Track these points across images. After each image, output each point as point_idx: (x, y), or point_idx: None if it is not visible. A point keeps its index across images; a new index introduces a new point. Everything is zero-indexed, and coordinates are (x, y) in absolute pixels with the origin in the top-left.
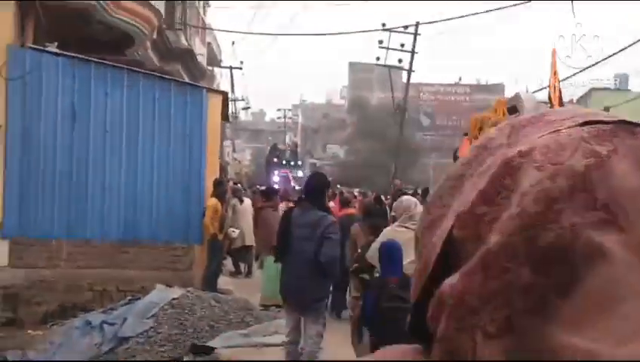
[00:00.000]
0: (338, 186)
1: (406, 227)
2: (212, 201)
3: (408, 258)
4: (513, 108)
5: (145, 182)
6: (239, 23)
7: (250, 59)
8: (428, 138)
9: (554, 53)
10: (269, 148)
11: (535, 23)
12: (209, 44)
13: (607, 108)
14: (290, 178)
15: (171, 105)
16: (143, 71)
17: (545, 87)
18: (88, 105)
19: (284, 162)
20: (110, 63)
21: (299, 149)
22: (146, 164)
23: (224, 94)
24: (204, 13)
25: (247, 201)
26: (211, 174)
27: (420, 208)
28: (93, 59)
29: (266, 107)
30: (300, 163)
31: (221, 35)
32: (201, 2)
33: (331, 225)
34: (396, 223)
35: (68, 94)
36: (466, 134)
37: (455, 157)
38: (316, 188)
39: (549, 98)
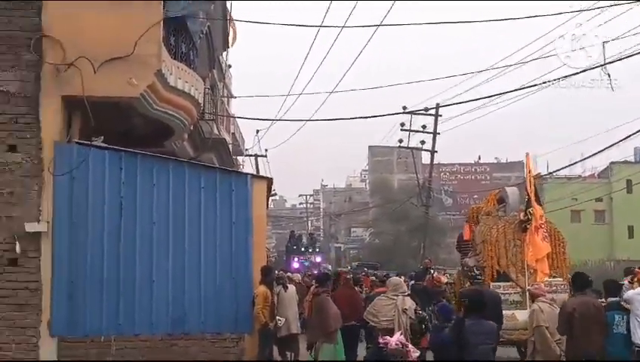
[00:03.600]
0: (365, 269)
1: (388, 297)
2: (261, 289)
3: (384, 317)
4: (501, 200)
5: (192, 273)
6: (263, 111)
7: (272, 146)
8: (451, 218)
9: (527, 156)
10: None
11: (547, 98)
12: (233, 133)
13: (628, 181)
14: (315, 262)
15: (217, 193)
16: (187, 160)
17: (561, 168)
18: (135, 198)
19: (302, 249)
20: (156, 155)
21: (321, 234)
22: (193, 253)
23: (269, 180)
24: (228, 104)
25: (292, 288)
26: (259, 261)
27: (403, 286)
28: (138, 151)
29: (286, 194)
30: (317, 249)
31: (244, 124)
32: (225, 92)
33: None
34: (384, 294)
35: (115, 187)
36: (466, 221)
37: (459, 239)
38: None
39: (526, 190)
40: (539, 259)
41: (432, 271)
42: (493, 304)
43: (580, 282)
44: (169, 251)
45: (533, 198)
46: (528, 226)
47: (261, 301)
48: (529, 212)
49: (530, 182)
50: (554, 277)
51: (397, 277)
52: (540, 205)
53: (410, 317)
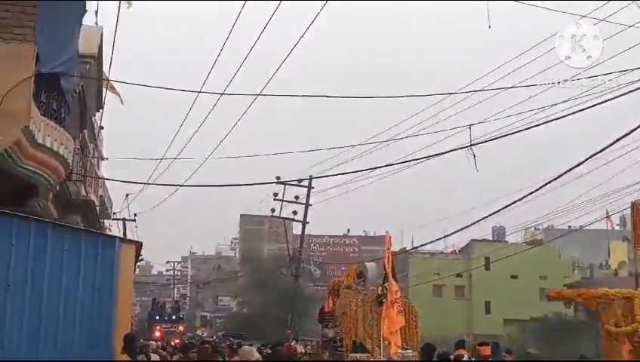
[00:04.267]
0: (231, 339)
1: None
2: (123, 358)
3: None
4: (360, 274)
5: (48, 340)
6: (134, 175)
7: (142, 211)
8: (319, 288)
9: (388, 235)
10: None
11: (415, 181)
12: (101, 196)
13: (487, 259)
14: (179, 331)
15: (81, 256)
16: (51, 221)
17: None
18: None
19: (165, 317)
20: (16, 213)
21: (187, 302)
22: (51, 319)
23: (138, 245)
24: (98, 166)
25: (155, 358)
26: (122, 329)
27: (255, 354)
28: None
29: (153, 259)
30: (181, 316)
31: (114, 187)
32: (96, 153)
33: None
34: None
35: None
36: (328, 293)
37: (321, 311)
38: None
39: (384, 266)
40: (393, 332)
41: (291, 341)
42: None
43: (427, 351)
44: (24, 316)
45: (390, 274)
46: (384, 300)
47: None
48: (386, 287)
49: (388, 258)
50: (405, 349)
51: (248, 346)
52: (396, 281)
53: None
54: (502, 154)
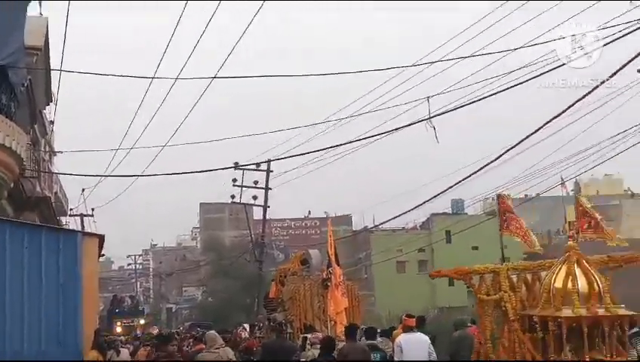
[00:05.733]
0: (198, 329)
1: (210, 351)
2: (92, 354)
3: None
4: (304, 261)
5: (14, 340)
6: (90, 169)
7: (99, 205)
8: None
9: (329, 221)
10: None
11: (374, 158)
12: (56, 193)
13: (447, 232)
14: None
15: (42, 253)
16: (7, 219)
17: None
18: None
19: (125, 310)
20: None
21: (151, 295)
22: (15, 319)
23: (100, 238)
24: (51, 162)
25: (125, 352)
26: (89, 325)
27: (219, 339)
28: None
29: (113, 254)
30: (141, 309)
31: (68, 183)
32: (48, 148)
33: None
34: (206, 350)
35: None
36: (273, 280)
37: (266, 297)
38: None
39: (327, 252)
40: (339, 312)
41: (238, 327)
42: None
43: (350, 331)
44: None
45: (333, 259)
46: (329, 284)
47: None
48: (330, 271)
49: (330, 244)
50: None
51: (212, 332)
52: (339, 265)
53: None
54: (458, 128)
